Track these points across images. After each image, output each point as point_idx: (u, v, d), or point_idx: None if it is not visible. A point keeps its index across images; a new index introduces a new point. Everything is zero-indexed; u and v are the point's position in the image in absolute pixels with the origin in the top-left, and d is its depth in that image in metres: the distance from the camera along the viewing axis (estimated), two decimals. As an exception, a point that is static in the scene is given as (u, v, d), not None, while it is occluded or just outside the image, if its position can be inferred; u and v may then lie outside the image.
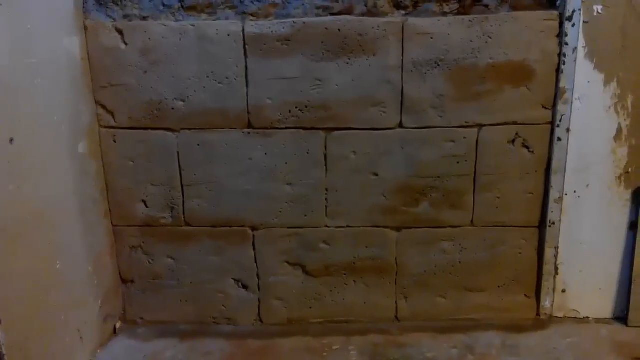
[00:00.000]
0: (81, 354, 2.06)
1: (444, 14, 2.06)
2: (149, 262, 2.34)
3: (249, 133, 2.17)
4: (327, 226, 2.27)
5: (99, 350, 2.18)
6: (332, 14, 2.08)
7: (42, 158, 1.84)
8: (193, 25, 2.08)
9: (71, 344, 2.00)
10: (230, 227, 2.28)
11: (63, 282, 1.95)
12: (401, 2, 2.06)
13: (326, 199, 2.24)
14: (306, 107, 2.14)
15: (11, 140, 1.66)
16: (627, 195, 2.17)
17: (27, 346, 1.71)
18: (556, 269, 2.26)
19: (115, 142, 2.21)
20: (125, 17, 2.11)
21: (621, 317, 2.28)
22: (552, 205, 2.17)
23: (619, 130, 2.11)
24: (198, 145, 2.19)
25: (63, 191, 1.98)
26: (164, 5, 2.09)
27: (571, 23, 2.00)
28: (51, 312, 1.87)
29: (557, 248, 2.23)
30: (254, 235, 2.29)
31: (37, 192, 1.80)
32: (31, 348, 1.73)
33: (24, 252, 1.72)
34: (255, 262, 2.32)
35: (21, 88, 1.72)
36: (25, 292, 1.72)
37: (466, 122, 2.13)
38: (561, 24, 2.02)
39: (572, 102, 2.08)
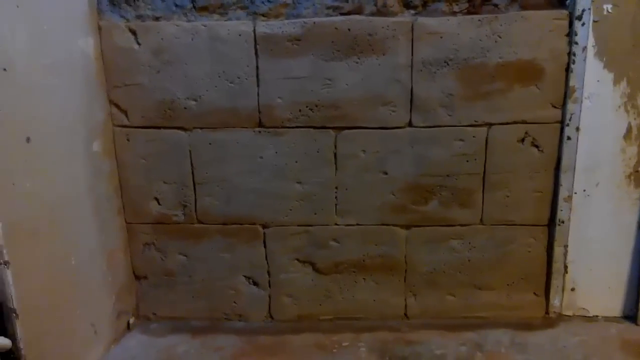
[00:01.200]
0: (96, 348, 2.10)
1: (454, 13, 2.07)
2: (161, 258, 2.37)
3: (259, 132, 2.20)
4: (336, 224, 2.29)
5: (113, 345, 2.22)
6: (342, 14, 2.09)
7: (57, 156, 1.87)
8: (205, 26, 2.11)
9: (86, 338, 2.04)
10: (241, 224, 2.31)
11: (78, 278, 1.99)
12: (411, 1, 2.07)
13: (336, 197, 2.26)
14: (316, 106, 2.16)
15: (28, 139, 1.69)
16: (637, 194, 2.17)
17: (43, 340, 1.75)
18: (565, 267, 2.26)
19: (128, 140, 2.25)
20: (139, 17, 2.14)
21: (630, 315, 2.28)
22: (561, 203, 2.18)
23: (629, 129, 2.11)
24: (210, 144, 2.22)
25: (78, 189, 2.02)
26: (176, 5, 2.12)
27: (581, 22, 2.00)
28: (66, 308, 1.91)
29: (566, 246, 2.23)
30: (264, 233, 2.31)
31: (53, 190, 1.84)
32: (47, 342, 1.77)
33: (40, 249, 1.76)
34: (266, 259, 2.34)
35: (37, 88, 1.76)
36: (41, 288, 1.76)
37: (475, 121, 2.14)
38: (571, 23, 2.02)
39: (581, 101, 2.08)
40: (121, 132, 2.24)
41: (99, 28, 2.13)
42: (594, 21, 2.01)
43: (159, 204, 2.31)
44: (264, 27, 2.09)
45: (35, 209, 1.73)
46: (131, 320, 2.38)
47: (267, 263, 2.35)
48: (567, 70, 2.06)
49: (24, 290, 1.65)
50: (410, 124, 2.16)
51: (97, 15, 2.13)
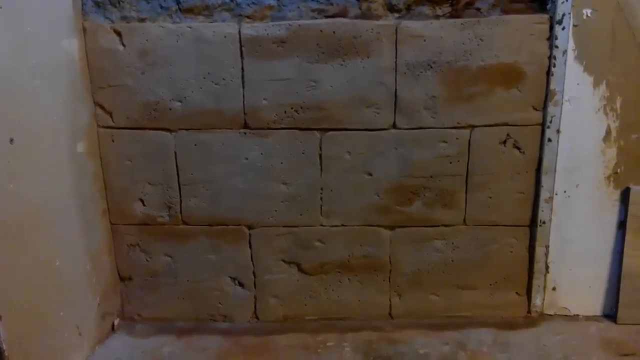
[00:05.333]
0: (80, 350, 2.10)
1: (437, 17, 2.09)
2: (146, 260, 2.37)
3: (245, 133, 2.21)
4: (322, 225, 2.30)
5: (97, 347, 2.21)
6: (326, 17, 2.11)
7: (41, 158, 1.87)
8: (190, 27, 2.11)
9: (70, 340, 2.03)
10: (226, 225, 2.31)
11: (62, 280, 1.98)
12: (395, 5, 2.09)
13: (321, 198, 2.27)
14: (301, 107, 2.17)
15: (11, 140, 1.69)
16: (616, 195, 2.21)
17: (27, 342, 1.74)
18: (547, 267, 2.30)
19: (113, 141, 2.24)
20: (123, 18, 2.14)
21: (610, 314, 2.32)
22: (542, 204, 2.21)
23: (608, 132, 2.15)
24: (195, 145, 2.22)
25: (62, 190, 2.01)
26: (161, 7, 2.12)
27: (561, 26, 2.04)
28: (50, 309, 1.91)
29: (547, 247, 2.27)
30: (250, 234, 2.32)
31: (37, 191, 1.83)
32: (31, 344, 1.77)
33: (23, 250, 1.75)
34: (252, 260, 2.35)
35: (21, 89, 1.75)
36: (25, 290, 1.75)
37: (458, 123, 2.17)
38: (551, 27, 2.06)
39: (562, 104, 2.11)
40: (106, 133, 2.24)
41: (84, 29, 2.13)
42: (574, 25, 2.05)
43: (144, 205, 2.31)
44: (249, 29, 2.10)
45: (18, 210, 1.73)
46: (116, 322, 2.38)
47: (253, 264, 2.35)
48: (548, 73, 2.09)
49: (8, 292, 1.65)
50: (394, 126, 2.18)
51: (81, 17, 2.12)
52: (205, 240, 2.33)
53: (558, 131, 2.14)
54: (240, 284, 2.38)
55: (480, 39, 2.07)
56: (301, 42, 2.10)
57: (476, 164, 2.20)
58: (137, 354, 2.18)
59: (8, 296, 1.64)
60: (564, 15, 2.02)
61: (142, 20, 2.13)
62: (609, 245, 2.27)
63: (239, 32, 2.11)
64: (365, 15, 2.10)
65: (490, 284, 2.35)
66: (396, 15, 2.10)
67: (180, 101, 2.18)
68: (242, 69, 2.14)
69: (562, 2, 2.01)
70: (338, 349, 2.19)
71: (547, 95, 2.11)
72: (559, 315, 2.36)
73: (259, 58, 2.12)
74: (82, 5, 2.12)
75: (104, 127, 2.23)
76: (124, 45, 2.14)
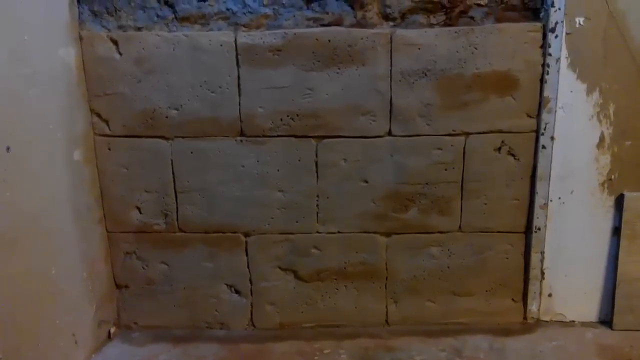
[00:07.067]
0: (76, 358, 2.09)
1: (431, 25, 2.11)
2: (143, 267, 2.37)
3: (241, 141, 2.22)
4: (318, 232, 2.31)
5: (93, 355, 2.21)
6: (322, 25, 2.12)
7: (37, 166, 1.87)
8: (186, 36, 2.12)
9: (66, 348, 2.03)
10: (223, 233, 2.32)
11: (58, 288, 1.98)
12: (389, 13, 2.11)
13: (317, 205, 2.28)
14: (297, 115, 2.18)
15: (8, 148, 1.69)
16: (611, 201, 2.23)
17: (22, 350, 1.74)
18: (542, 273, 2.30)
19: (109, 149, 2.25)
20: (120, 27, 2.15)
21: (606, 320, 2.33)
22: (537, 211, 2.22)
23: (602, 138, 2.17)
24: (191, 152, 2.23)
25: (58, 198, 2.01)
26: (158, 16, 2.14)
27: (554, 34, 2.05)
28: (46, 317, 1.90)
29: (542, 253, 2.27)
30: (246, 241, 2.33)
31: (33, 199, 1.83)
32: (27, 353, 1.76)
33: (19, 258, 1.75)
34: (248, 267, 2.35)
35: (18, 97, 1.76)
36: (20, 297, 1.75)
37: (453, 130, 2.18)
38: (545, 35, 2.07)
39: (555, 111, 2.13)
40: (102, 141, 2.24)
41: (80, 38, 2.14)
42: (566, 33, 2.07)
43: (140, 212, 2.31)
44: (245, 37, 2.12)
45: (15, 218, 1.73)
46: (112, 330, 2.37)
47: (249, 271, 2.35)
48: (542, 81, 2.11)
49: (3, 301, 1.64)
50: (389, 133, 2.19)
51: (78, 25, 2.13)
52: (201, 248, 2.33)
53: (552, 138, 2.15)
54: (237, 292, 2.38)
55: (475, 47, 2.09)
56: (297, 50, 2.12)
57: (471, 171, 2.22)
58: (134, 362, 2.18)
59: (3, 305, 1.64)
60: (556, 23, 2.04)
61: (139, 29, 2.15)
62: (604, 251, 2.28)
63: (235, 40, 2.12)
64: (361, 23, 2.12)
65: (486, 291, 2.35)
66: (391, 23, 2.12)
67: (177, 109, 2.19)
68: (238, 77, 2.15)
69: (555, 11, 2.03)
70: (334, 356, 2.18)
71: (541, 103, 2.13)
72: (554, 321, 2.36)
73: (255, 66, 2.14)
74: (79, 14, 2.14)
75: (100, 135, 2.24)
76: (120, 53, 2.15)
